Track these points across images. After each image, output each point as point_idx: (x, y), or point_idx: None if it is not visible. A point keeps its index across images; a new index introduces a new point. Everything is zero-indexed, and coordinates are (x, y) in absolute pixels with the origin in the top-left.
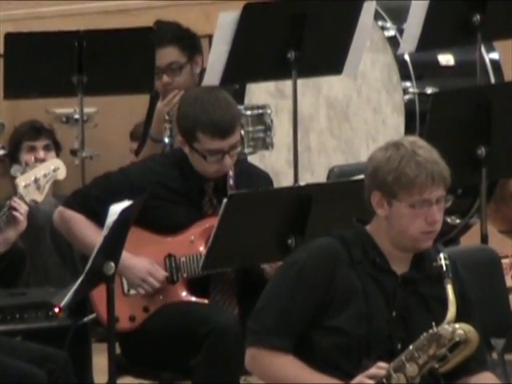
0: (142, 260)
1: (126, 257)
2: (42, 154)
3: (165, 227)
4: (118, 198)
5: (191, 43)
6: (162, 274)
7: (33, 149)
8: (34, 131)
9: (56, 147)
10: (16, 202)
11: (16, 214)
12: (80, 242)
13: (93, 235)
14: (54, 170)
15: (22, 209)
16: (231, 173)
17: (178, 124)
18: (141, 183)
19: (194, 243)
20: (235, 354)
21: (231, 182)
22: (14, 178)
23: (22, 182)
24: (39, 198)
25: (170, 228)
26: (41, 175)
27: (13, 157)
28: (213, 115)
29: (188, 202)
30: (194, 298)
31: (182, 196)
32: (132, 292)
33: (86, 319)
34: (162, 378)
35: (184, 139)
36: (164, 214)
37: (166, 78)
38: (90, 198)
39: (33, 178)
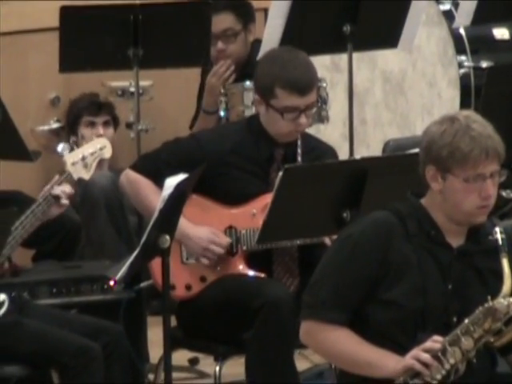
0: (204, 229)
1: (188, 226)
2: (101, 130)
3: (230, 195)
4: (191, 164)
5: (246, 10)
6: (225, 240)
7: (92, 124)
8: (95, 106)
9: (114, 122)
10: (57, 190)
11: (63, 201)
12: (144, 207)
13: (157, 202)
14: (101, 149)
15: (65, 194)
16: (299, 147)
17: (255, 82)
18: (215, 149)
19: (255, 217)
20: (289, 327)
21: (299, 158)
22: (61, 156)
23: (69, 159)
24: (86, 175)
25: (236, 196)
26: (88, 153)
27: (71, 129)
28: (293, 72)
29: (257, 168)
30: (251, 272)
31: (251, 162)
32: (190, 261)
33: (142, 285)
34: (216, 351)
35: (261, 97)
36: (232, 182)
37: (220, 45)
38: (159, 163)
39: (80, 156)
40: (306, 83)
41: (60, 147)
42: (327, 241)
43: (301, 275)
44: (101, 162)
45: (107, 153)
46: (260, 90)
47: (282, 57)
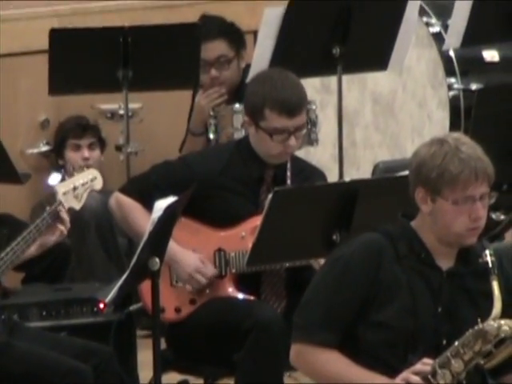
0: (192, 256)
1: (177, 250)
2: (86, 153)
3: (220, 217)
4: (181, 186)
5: (238, 37)
6: (210, 271)
7: (78, 147)
8: (79, 129)
9: (101, 144)
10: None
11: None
12: (133, 231)
13: (146, 225)
14: (92, 180)
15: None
16: (289, 169)
17: (245, 103)
18: (204, 170)
19: (244, 239)
20: (279, 348)
21: (288, 181)
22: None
23: (61, 189)
24: (77, 205)
25: (225, 218)
26: (79, 184)
27: (58, 152)
28: (282, 92)
29: (246, 189)
30: (240, 295)
31: (241, 183)
32: (180, 283)
33: (131, 308)
34: (206, 373)
35: (250, 118)
36: (221, 203)
37: (214, 72)
38: (148, 186)
39: (71, 186)
40: (296, 104)
41: (51, 178)
42: (315, 264)
43: (287, 297)
44: (91, 193)
45: (98, 184)
46: (249, 111)
47: (272, 77)
